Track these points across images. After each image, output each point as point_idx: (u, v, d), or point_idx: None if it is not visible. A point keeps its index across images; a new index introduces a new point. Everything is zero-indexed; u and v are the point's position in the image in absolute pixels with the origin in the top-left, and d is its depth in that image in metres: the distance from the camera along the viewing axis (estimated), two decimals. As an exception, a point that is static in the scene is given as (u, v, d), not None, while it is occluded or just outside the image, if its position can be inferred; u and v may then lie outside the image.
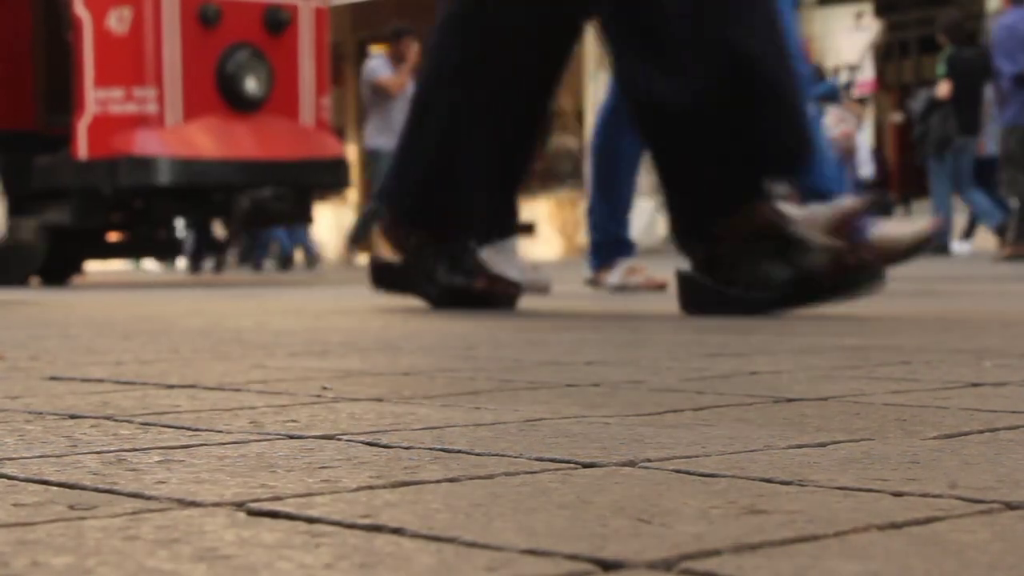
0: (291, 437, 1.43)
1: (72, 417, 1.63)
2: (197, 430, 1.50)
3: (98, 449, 1.35)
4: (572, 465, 1.23)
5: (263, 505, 1.04)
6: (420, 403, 1.74)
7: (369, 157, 13.83)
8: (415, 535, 0.93)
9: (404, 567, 0.84)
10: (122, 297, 6.66)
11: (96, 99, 9.39)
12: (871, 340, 2.75)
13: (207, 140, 9.42)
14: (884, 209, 15.30)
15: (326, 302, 5.38)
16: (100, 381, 2.07)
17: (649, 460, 1.25)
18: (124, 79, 9.39)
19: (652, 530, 0.94)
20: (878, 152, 16.05)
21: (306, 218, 10.46)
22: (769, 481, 1.13)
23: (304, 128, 9.92)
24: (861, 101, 15.46)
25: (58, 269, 10.50)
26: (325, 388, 1.93)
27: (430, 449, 1.33)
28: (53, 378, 2.13)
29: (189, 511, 1.03)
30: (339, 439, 1.41)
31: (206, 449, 1.35)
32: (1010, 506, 1.01)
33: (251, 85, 9.60)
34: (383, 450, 1.33)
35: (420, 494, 1.08)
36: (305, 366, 2.29)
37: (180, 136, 9.34)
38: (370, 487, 1.12)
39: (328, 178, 10.16)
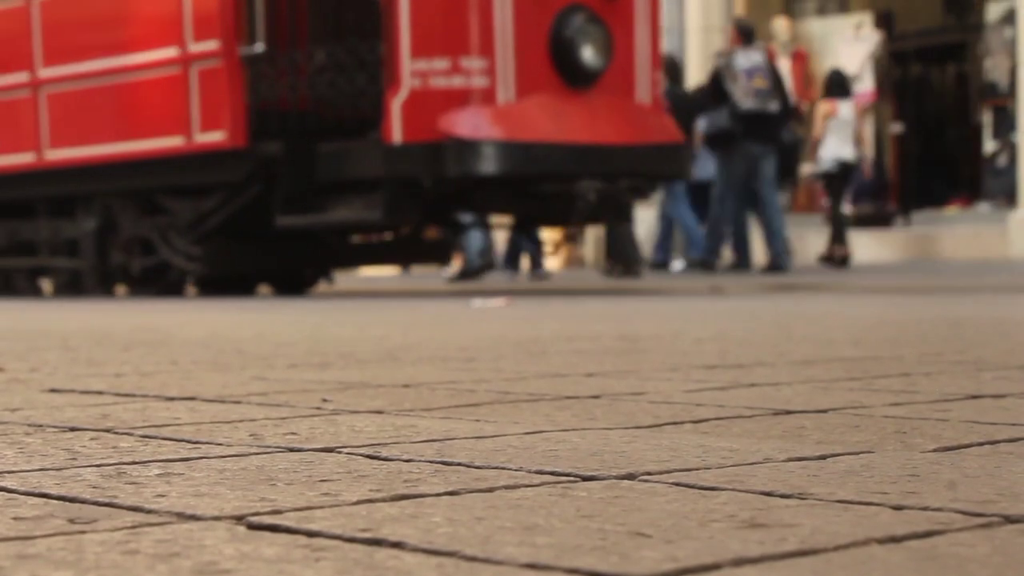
0: (291, 450, 1.43)
1: (72, 430, 1.63)
2: (197, 443, 1.50)
3: (98, 462, 1.35)
4: (572, 478, 1.23)
5: (263, 519, 1.04)
6: (421, 415, 1.73)
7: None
8: (416, 549, 0.93)
9: (404, 582, 0.83)
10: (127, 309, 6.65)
11: (414, 71, 7.61)
12: (870, 352, 2.75)
13: (543, 120, 7.73)
14: (884, 220, 15.29)
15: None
16: (100, 393, 2.07)
17: (649, 473, 1.25)
18: (448, 47, 7.66)
19: (652, 544, 0.94)
20: (878, 162, 16.08)
21: (626, 216, 8.77)
22: (769, 494, 1.13)
23: (640, 107, 8.16)
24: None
25: (297, 276, 9.18)
26: (325, 400, 1.93)
27: (431, 462, 1.33)
28: (53, 390, 2.13)
29: (189, 525, 1.03)
30: (339, 452, 1.41)
31: (206, 462, 1.35)
32: (1010, 519, 1.01)
33: (588, 54, 7.82)
34: (383, 463, 1.33)
35: (421, 508, 1.08)
36: (305, 378, 2.29)
37: (514, 115, 7.65)
38: (370, 500, 1.12)
39: (668, 167, 8.36)
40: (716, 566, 0.87)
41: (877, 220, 15.29)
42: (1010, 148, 14.58)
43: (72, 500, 1.14)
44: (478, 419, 1.69)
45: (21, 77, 9.13)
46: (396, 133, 7.53)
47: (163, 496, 1.15)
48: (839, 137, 12.03)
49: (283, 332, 3.82)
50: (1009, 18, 14.44)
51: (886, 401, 1.84)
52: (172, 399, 1.97)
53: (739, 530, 0.98)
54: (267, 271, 9.11)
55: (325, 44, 8.27)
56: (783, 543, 0.93)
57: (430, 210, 8.22)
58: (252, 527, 1.01)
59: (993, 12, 14.91)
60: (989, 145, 14.96)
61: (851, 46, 16.14)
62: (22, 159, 9.20)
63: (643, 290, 8.01)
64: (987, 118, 15.02)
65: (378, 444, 1.47)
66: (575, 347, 2.97)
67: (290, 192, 8.00)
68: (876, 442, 1.45)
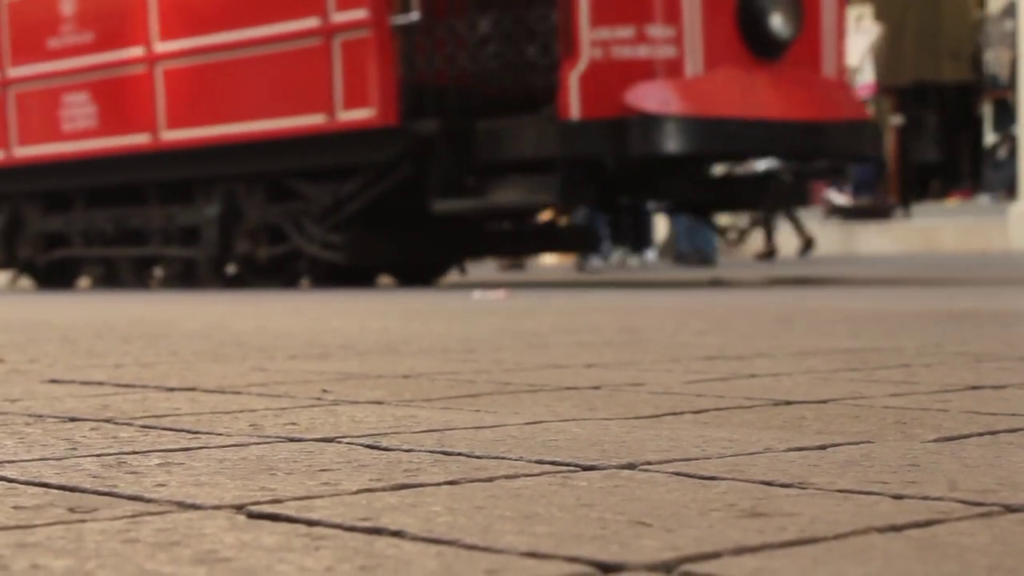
0: (291, 440, 1.43)
1: (72, 420, 1.63)
2: (197, 433, 1.50)
3: (98, 452, 1.35)
4: (572, 468, 1.23)
5: (263, 508, 1.04)
6: (420, 406, 1.74)
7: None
8: (416, 538, 0.93)
9: (405, 570, 0.83)
10: (127, 300, 6.65)
11: (594, 41, 6.99)
12: (870, 343, 2.75)
13: (732, 95, 7.15)
14: (883, 212, 15.28)
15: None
16: (100, 384, 2.07)
17: (649, 463, 1.25)
18: (632, 14, 7.02)
19: (652, 532, 0.94)
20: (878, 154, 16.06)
21: (803, 199, 8.06)
22: (769, 484, 1.13)
23: (827, 81, 7.55)
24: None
25: (425, 266, 8.47)
26: (325, 391, 1.93)
27: (431, 452, 1.33)
28: (53, 381, 2.13)
29: (189, 514, 1.03)
30: (339, 442, 1.41)
31: (206, 452, 1.35)
32: (1010, 509, 1.01)
33: (778, 23, 7.25)
34: (383, 453, 1.33)
35: (420, 497, 1.08)
36: (305, 369, 2.29)
37: (703, 89, 7.07)
38: (370, 490, 1.12)
39: (859, 145, 7.56)
40: (716, 555, 0.87)
41: (877, 213, 15.29)
42: (1010, 141, 14.57)
43: (72, 489, 1.14)
44: (478, 409, 1.69)
45: (136, 52, 8.38)
46: (574, 108, 6.91)
47: (163, 485, 1.15)
48: None
49: (283, 323, 3.82)
50: (1010, 11, 14.43)
51: (886, 392, 1.84)
52: (172, 390, 1.97)
53: (739, 519, 0.98)
54: (398, 261, 8.31)
55: (489, 12, 7.65)
56: (783, 532, 0.93)
57: (603, 193, 7.60)
58: (252, 516, 1.01)
59: (994, 4, 14.90)
60: (989, 137, 14.96)
61: (851, 38, 16.13)
62: (135, 140, 8.41)
63: (643, 282, 8.01)
64: (988, 111, 15.02)
65: (378, 434, 1.47)
66: (575, 339, 2.97)
67: (447, 174, 7.36)
68: (876, 432, 1.45)
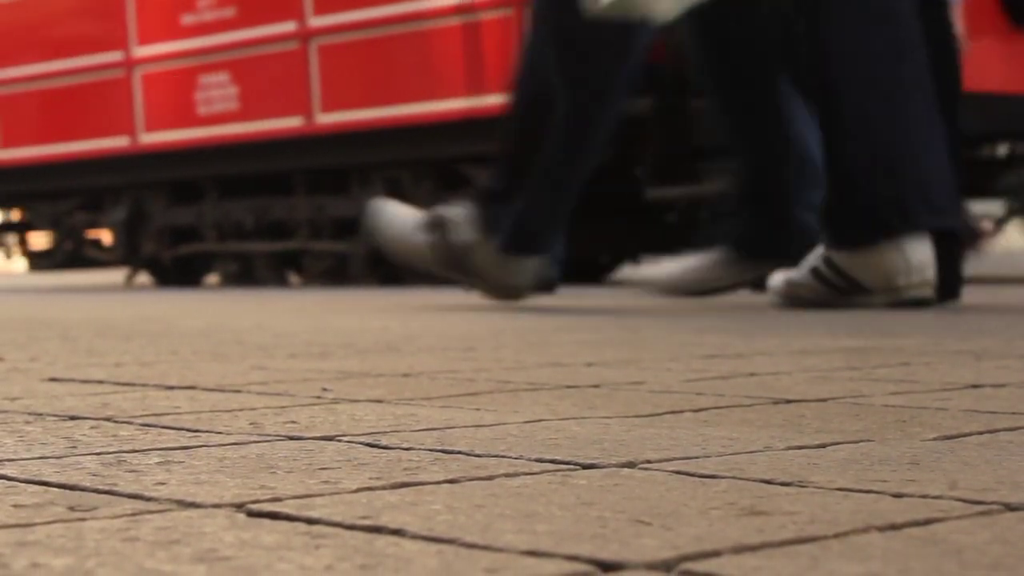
0: (291, 438, 1.43)
1: (72, 418, 1.63)
2: (197, 431, 1.50)
3: (98, 450, 1.35)
4: (572, 466, 1.23)
5: (263, 506, 1.04)
6: (420, 404, 1.74)
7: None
8: (415, 536, 0.93)
9: (404, 568, 0.84)
10: (126, 297, 6.64)
11: None
12: (870, 341, 2.75)
13: (996, 68, 6.49)
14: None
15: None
16: (100, 382, 2.07)
17: (649, 461, 1.25)
18: None
19: (652, 531, 0.94)
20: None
21: None
22: (769, 482, 1.13)
23: None
24: None
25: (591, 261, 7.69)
26: (325, 389, 1.93)
27: (430, 450, 1.33)
28: (53, 379, 2.13)
29: (189, 512, 1.03)
30: (339, 440, 1.41)
31: (206, 450, 1.35)
32: (1010, 507, 1.01)
33: None
34: (383, 451, 1.33)
35: (420, 495, 1.08)
36: (305, 367, 2.29)
37: (967, 62, 6.92)
38: (370, 488, 1.12)
39: None
40: (716, 553, 0.87)
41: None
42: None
43: (72, 488, 1.14)
44: (478, 408, 1.69)
45: (287, 27, 7.75)
46: None
47: (163, 484, 1.15)
48: None
49: (283, 322, 3.82)
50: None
51: (886, 390, 1.84)
52: (172, 388, 1.97)
53: (739, 517, 0.98)
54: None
55: None
56: (782, 530, 0.93)
57: None
58: (252, 515, 1.01)
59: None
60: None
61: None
62: (285, 124, 7.65)
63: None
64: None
65: (378, 432, 1.47)
66: (575, 337, 2.97)
67: (662, 158, 6.73)
68: (876, 430, 1.45)
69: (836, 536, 0.92)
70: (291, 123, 7.66)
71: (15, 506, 1.06)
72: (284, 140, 7.72)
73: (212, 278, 8.78)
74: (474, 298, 4.91)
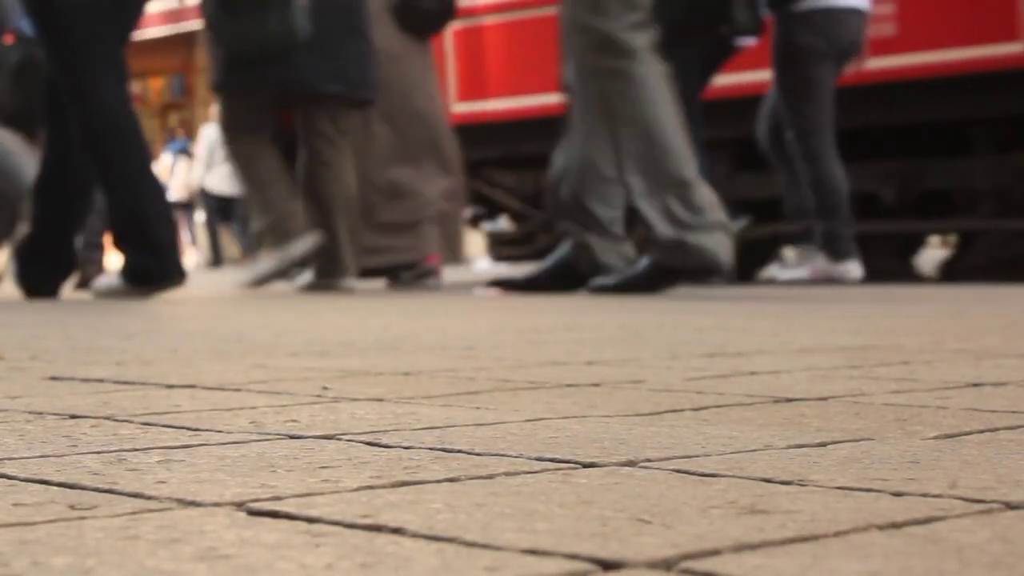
0: (291, 437, 1.43)
1: (72, 417, 1.63)
2: (197, 430, 1.50)
3: (98, 449, 1.35)
4: (572, 465, 1.23)
5: (263, 505, 1.04)
6: (421, 403, 1.74)
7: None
8: (416, 535, 0.93)
9: (405, 567, 0.84)
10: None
11: None
12: (870, 340, 2.75)
13: None
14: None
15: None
16: (100, 381, 2.07)
17: (649, 460, 1.25)
18: None
19: (652, 530, 0.94)
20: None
21: None
22: (769, 481, 1.13)
23: None
24: None
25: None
26: (325, 388, 1.93)
27: (431, 449, 1.33)
28: (53, 378, 2.13)
29: (189, 511, 1.03)
30: (339, 439, 1.41)
31: (206, 449, 1.35)
32: (1010, 506, 1.01)
33: None
34: (383, 450, 1.33)
35: (421, 494, 1.08)
36: (305, 366, 2.29)
37: None
38: (371, 487, 1.12)
39: None
40: (716, 552, 0.87)
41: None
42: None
43: (72, 487, 1.14)
44: (478, 407, 1.69)
45: None
46: None
47: (163, 482, 1.15)
48: None
49: (283, 321, 3.82)
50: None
51: (886, 389, 1.84)
52: (172, 387, 1.97)
53: (739, 516, 0.98)
54: None
55: None
56: (783, 529, 0.93)
57: None
58: (252, 513, 1.01)
59: None
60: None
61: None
62: (994, 51, 5.86)
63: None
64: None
65: (378, 431, 1.47)
66: (575, 336, 2.97)
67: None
68: (876, 429, 1.45)
69: (836, 535, 0.92)
70: (1006, 50, 5.99)
71: (16, 505, 1.06)
72: (949, 78, 6.03)
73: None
74: (471, 297, 4.90)
